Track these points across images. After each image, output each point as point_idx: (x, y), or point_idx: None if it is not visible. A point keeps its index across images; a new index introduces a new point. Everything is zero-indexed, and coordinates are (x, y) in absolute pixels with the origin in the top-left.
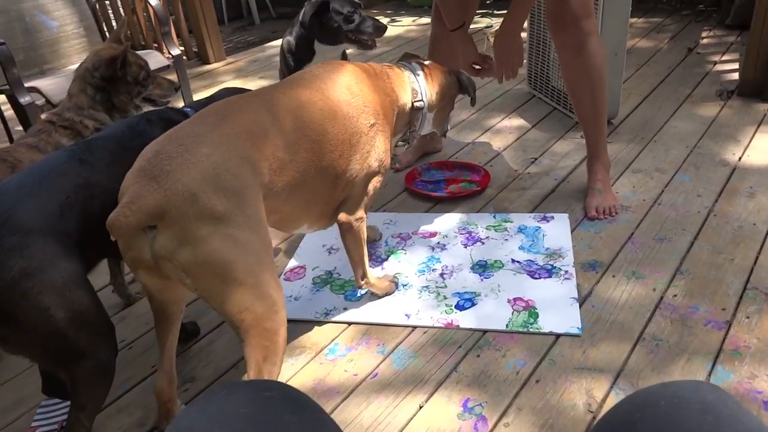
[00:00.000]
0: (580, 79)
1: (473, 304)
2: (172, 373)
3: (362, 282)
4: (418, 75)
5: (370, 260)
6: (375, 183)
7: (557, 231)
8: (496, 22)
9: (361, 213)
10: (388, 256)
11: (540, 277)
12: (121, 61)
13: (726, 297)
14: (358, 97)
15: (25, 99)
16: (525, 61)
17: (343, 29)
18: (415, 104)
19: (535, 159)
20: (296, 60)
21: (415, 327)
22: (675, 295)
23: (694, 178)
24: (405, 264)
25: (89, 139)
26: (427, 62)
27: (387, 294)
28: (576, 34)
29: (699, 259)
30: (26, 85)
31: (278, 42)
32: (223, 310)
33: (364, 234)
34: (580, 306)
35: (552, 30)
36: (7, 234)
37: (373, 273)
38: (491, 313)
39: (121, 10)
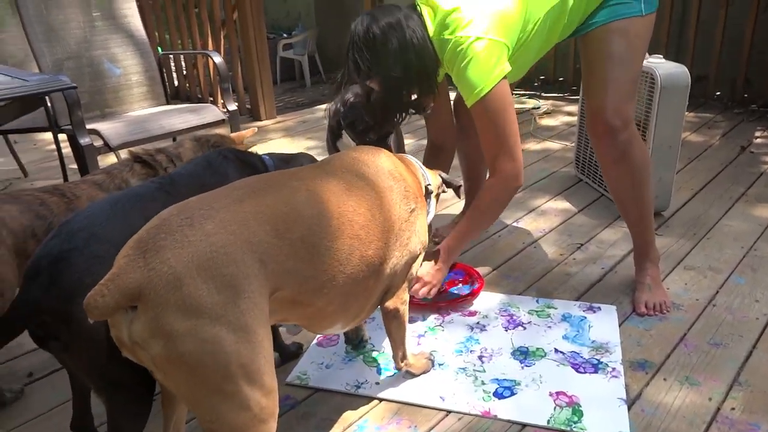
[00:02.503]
0: (623, 185)
1: (512, 393)
2: None
3: (402, 364)
4: (419, 163)
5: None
6: (417, 265)
7: (604, 323)
8: (543, 104)
9: (405, 296)
10: (425, 332)
11: (585, 372)
12: None
13: None
14: (400, 182)
15: (85, 140)
16: (573, 144)
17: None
18: (428, 187)
19: (581, 245)
20: (332, 129)
21: (449, 411)
22: (733, 408)
23: (751, 282)
24: (442, 342)
25: (172, 173)
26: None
27: (424, 372)
28: (614, 145)
29: (759, 370)
30: (87, 127)
31: (327, 105)
32: (195, 412)
33: (407, 317)
34: (629, 408)
35: (591, 139)
36: (96, 243)
37: (408, 349)
38: (532, 406)
39: (183, 64)
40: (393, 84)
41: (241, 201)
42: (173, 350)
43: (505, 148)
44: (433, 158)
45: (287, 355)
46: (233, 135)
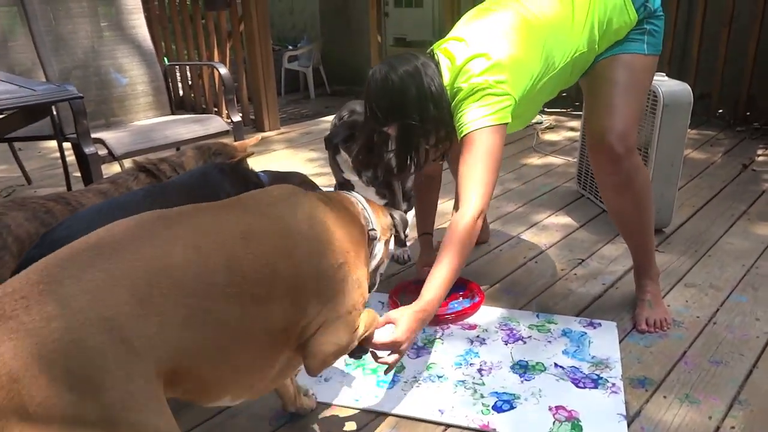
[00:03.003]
0: (624, 210)
1: (512, 407)
2: None
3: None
4: (364, 203)
5: None
6: (347, 332)
7: (604, 339)
8: (546, 119)
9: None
10: (425, 344)
11: (585, 387)
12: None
13: None
14: (323, 233)
15: (89, 149)
16: (575, 159)
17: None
18: (370, 233)
19: (582, 261)
20: (332, 147)
21: (448, 425)
22: (733, 427)
23: (752, 300)
24: (441, 354)
25: (165, 182)
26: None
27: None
28: (617, 173)
29: (760, 389)
30: (92, 136)
31: (331, 117)
32: None
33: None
34: (628, 425)
35: (593, 165)
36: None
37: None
38: (531, 420)
39: (189, 74)
40: (410, 131)
41: (90, 265)
42: None
43: (474, 185)
44: (426, 187)
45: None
46: (237, 144)
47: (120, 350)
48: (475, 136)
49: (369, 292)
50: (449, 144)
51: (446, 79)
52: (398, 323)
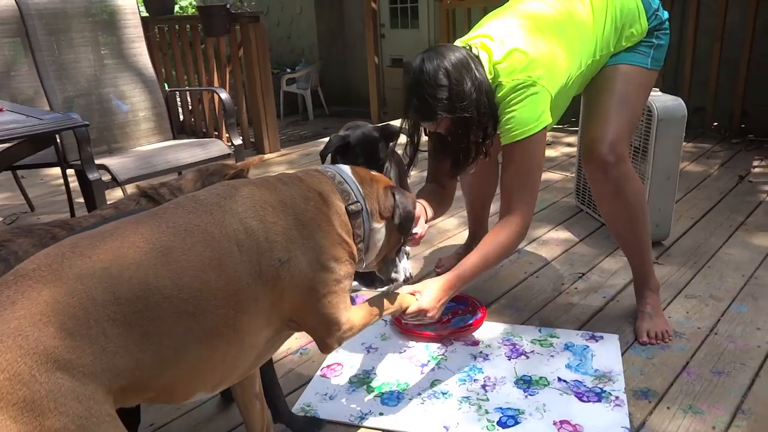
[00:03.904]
0: (618, 218)
1: (516, 422)
2: None
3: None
4: (345, 175)
5: (409, 361)
6: (333, 305)
7: (607, 352)
8: None
9: (339, 336)
10: (428, 361)
11: (589, 401)
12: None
13: None
14: (257, 232)
15: (93, 175)
16: (573, 175)
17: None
18: (350, 208)
19: (583, 274)
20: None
21: None
22: None
23: (753, 310)
24: (445, 371)
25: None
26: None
27: None
28: (607, 180)
29: (762, 398)
30: (96, 162)
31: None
32: None
33: (360, 328)
34: None
35: (586, 171)
36: None
37: None
38: None
39: (189, 99)
40: (467, 124)
41: (12, 303)
42: None
43: (525, 193)
44: (436, 195)
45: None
46: (240, 164)
47: (61, 379)
48: (525, 144)
49: (384, 285)
50: (492, 141)
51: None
52: (423, 293)
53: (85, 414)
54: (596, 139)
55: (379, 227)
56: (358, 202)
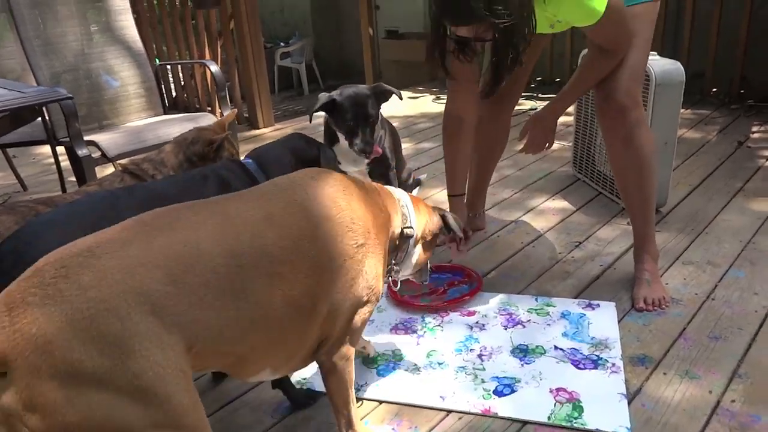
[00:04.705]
0: (628, 169)
1: (513, 391)
2: None
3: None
4: (406, 200)
5: (405, 333)
6: (363, 315)
7: (603, 320)
8: (541, 105)
9: (346, 351)
10: (425, 333)
11: (585, 368)
12: (217, 146)
13: None
14: (344, 212)
15: (83, 151)
16: (570, 144)
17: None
18: (405, 231)
19: (580, 243)
20: (327, 133)
21: (450, 411)
22: (733, 401)
23: (750, 275)
24: (441, 341)
25: (136, 185)
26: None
27: None
28: (624, 125)
29: (759, 362)
30: (86, 138)
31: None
32: None
33: (351, 376)
34: (629, 403)
35: (600, 120)
36: (28, 252)
37: (354, 413)
38: (532, 403)
39: (181, 74)
40: (510, 30)
41: (128, 244)
42: (54, 424)
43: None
44: (456, 129)
45: (297, 404)
46: (213, 125)
47: (152, 324)
48: (610, 8)
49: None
50: (527, 46)
51: None
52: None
53: (164, 363)
54: (614, 87)
55: (417, 249)
56: (412, 227)
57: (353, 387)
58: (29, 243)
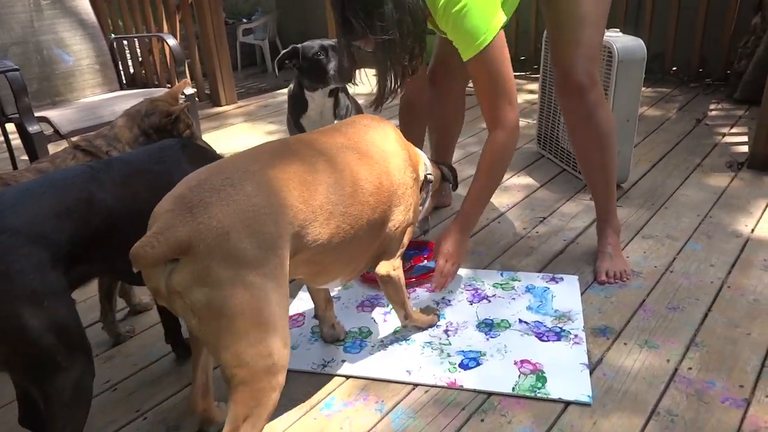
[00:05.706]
0: (589, 147)
1: (478, 364)
2: (206, 386)
3: (406, 321)
4: (422, 153)
5: (373, 309)
6: (410, 233)
7: (566, 293)
8: None
9: (398, 262)
10: (391, 308)
11: (548, 340)
12: (174, 118)
13: (743, 373)
14: (404, 151)
15: (33, 128)
16: (534, 121)
17: (313, 74)
18: (428, 176)
19: (544, 219)
20: (294, 106)
21: (416, 384)
22: (690, 368)
23: (706, 248)
24: None
25: (111, 158)
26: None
27: (430, 326)
28: (583, 104)
29: (714, 331)
30: (37, 114)
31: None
32: (219, 358)
33: (402, 281)
34: (591, 373)
35: (560, 99)
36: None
37: (412, 307)
38: (497, 375)
39: (138, 49)
40: (387, 46)
41: (272, 166)
42: (216, 297)
43: (508, 97)
44: (405, 112)
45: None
46: (166, 95)
47: (288, 231)
48: (484, 54)
49: (418, 237)
50: (422, 59)
51: None
52: (440, 244)
53: (282, 263)
54: (571, 65)
55: (429, 197)
56: (432, 174)
57: (404, 288)
58: (1, 212)
